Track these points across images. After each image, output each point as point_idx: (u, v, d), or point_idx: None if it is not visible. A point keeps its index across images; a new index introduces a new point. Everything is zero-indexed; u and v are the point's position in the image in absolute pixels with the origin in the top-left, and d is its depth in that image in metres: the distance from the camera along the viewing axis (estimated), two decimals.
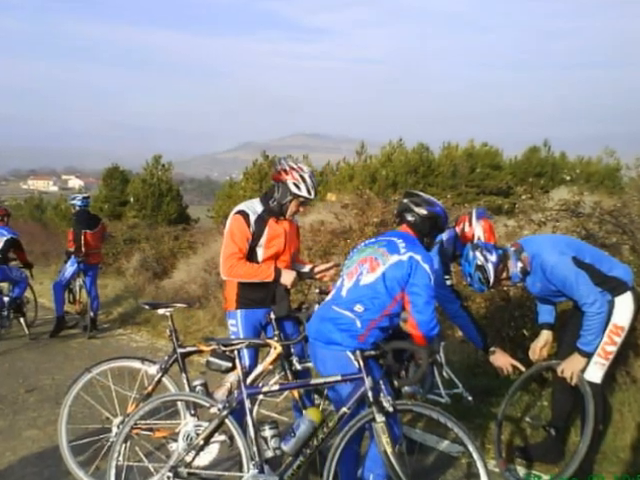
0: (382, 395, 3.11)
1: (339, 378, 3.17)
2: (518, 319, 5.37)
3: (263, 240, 4.00)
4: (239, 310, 4.03)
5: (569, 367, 3.70)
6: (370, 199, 8.80)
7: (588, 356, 3.65)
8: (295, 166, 4.02)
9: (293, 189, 3.97)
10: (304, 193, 3.98)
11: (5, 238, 8.49)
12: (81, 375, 3.98)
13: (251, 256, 4.01)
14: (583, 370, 3.69)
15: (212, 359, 3.43)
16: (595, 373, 3.70)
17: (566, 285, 3.66)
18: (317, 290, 4.24)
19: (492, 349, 4.09)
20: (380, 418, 3.04)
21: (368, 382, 3.09)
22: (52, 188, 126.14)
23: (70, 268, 8.82)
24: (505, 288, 5.31)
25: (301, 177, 3.98)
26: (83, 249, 8.70)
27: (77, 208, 8.98)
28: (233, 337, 3.97)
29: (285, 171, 3.99)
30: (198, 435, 3.41)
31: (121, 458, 3.44)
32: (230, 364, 3.37)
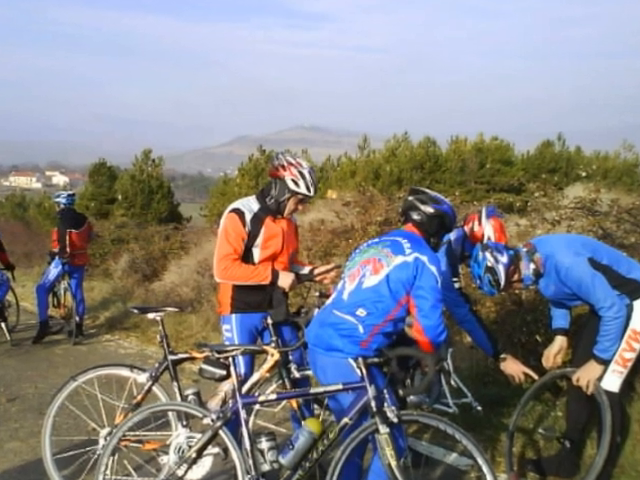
0: (386, 405, 3.10)
1: (340, 387, 3.17)
2: (531, 324, 5.37)
3: (259, 240, 4.00)
4: (234, 314, 4.03)
5: (585, 375, 3.70)
6: (373, 196, 8.82)
7: (605, 363, 3.65)
8: (293, 161, 4.01)
9: (291, 186, 3.97)
10: (303, 190, 3.98)
11: None
12: (66, 384, 3.97)
13: (247, 257, 4.01)
14: (600, 378, 3.69)
15: (205, 367, 3.43)
16: (612, 381, 3.69)
17: (582, 288, 3.66)
18: (317, 293, 4.24)
19: (503, 356, 4.09)
20: (384, 429, 3.04)
21: (371, 391, 3.09)
22: (35, 185, 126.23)
23: (54, 270, 8.83)
24: (517, 291, 5.31)
25: (300, 173, 3.98)
26: (68, 250, 8.70)
27: (62, 206, 8.98)
28: (227, 343, 3.97)
29: (283, 167, 3.99)
30: (190, 447, 3.41)
31: (109, 472, 3.43)
32: (224, 372, 3.37)
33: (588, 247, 3.81)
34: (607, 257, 3.77)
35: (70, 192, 9.58)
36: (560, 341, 4.12)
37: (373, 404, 3.08)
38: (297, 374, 3.96)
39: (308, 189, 4.00)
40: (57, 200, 9.11)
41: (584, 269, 3.64)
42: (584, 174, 9.78)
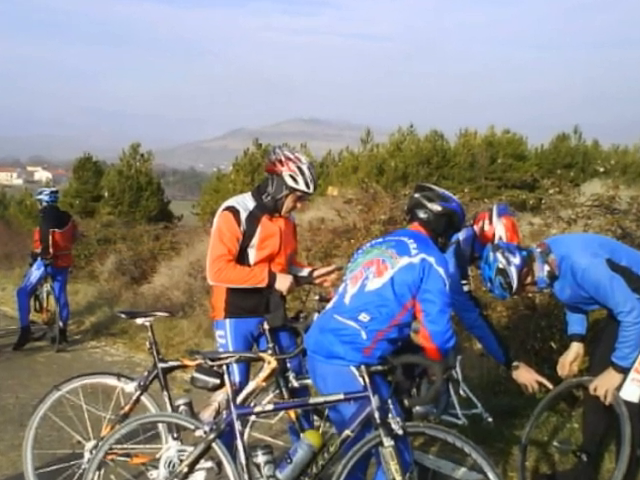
0: (390, 416, 3.10)
1: (341, 397, 3.17)
2: (545, 330, 5.38)
3: (255, 240, 4.01)
4: (228, 319, 4.03)
5: (603, 384, 3.70)
6: (377, 194, 8.83)
7: (624, 372, 3.65)
8: (292, 156, 4.02)
9: (290, 182, 3.98)
10: (302, 187, 3.99)
11: None
12: (49, 393, 3.98)
13: (242, 258, 4.01)
14: (619, 388, 3.69)
15: (197, 375, 3.43)
16: (632, 391, 3.69)
17: (599, 291, 3.66)
18: (317, 297, 4.24)
19: (515, 364, 4.09)
20: (388, 442, 3.04)
21: (374, 401, 3.09)
22: (16, 181, 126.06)
23: (36, 272, 8.83)
24: (530, 295, 5.31)
25: (299, 169, 3.98)
26: (51, 250, 8.70)
27: (44, 204, 8.98)
28: (221, 350, 3.97)
29: (280, 162, 3.99)
30: (182, 461, 3.41)
31: None
32: (218, 381, 3.37)
33: (606, 247, 3.81)
34: (626, 258, 3.77)
35: (53, 189, 9.57)
36: (576, 348, 4.12)
37: (377, 415, 3.08)
38: (295, 383, 3.96)
39: (307, 186, 4.00)
40: (39, 197, 9.11)
41: (602, 271, 3.64)
42: (602, 169, 9.77)
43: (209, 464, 3.62)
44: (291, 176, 3.97)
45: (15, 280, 12.33)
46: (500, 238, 4.11)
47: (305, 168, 3.99)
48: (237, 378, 3.94)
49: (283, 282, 3.99)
